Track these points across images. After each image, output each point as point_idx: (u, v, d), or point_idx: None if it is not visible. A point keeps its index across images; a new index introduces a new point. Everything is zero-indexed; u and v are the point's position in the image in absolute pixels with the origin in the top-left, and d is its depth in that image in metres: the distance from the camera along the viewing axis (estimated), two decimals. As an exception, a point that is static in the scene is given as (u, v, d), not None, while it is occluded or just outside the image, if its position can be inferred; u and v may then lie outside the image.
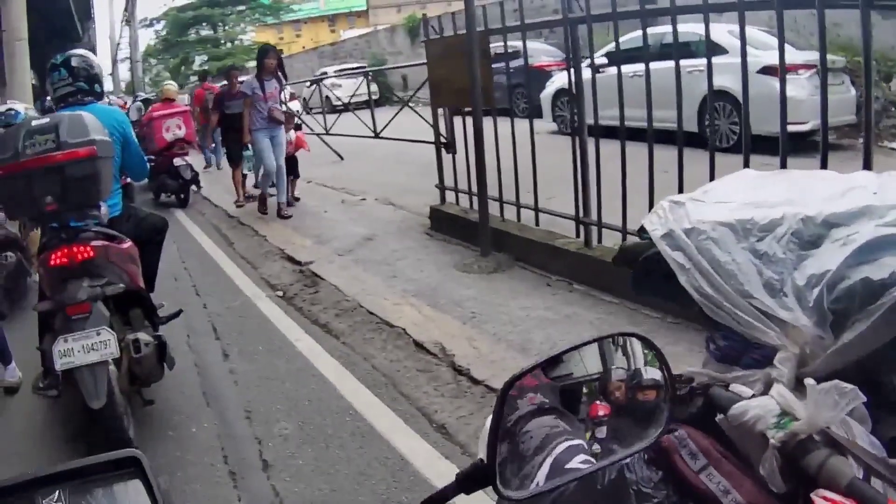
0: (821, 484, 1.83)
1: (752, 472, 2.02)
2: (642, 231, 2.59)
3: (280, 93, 13.59)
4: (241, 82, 14.35)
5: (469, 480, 1.32)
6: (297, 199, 14.60)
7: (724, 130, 13.46)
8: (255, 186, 14.50)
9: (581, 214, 7.98)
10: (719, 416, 2.08)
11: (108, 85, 28.88)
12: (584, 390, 1.46)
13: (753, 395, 2.04)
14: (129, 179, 9.18)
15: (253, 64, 17.67)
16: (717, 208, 2.40)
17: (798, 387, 2.03)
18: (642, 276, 2.66)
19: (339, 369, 6.77)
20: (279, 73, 13.47)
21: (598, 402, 1.47)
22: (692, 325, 5.93)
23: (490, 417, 1.42)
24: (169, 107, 16.36)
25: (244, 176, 15.48)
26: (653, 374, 1.74)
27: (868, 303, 1.97)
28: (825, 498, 1.77)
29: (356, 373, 6.64)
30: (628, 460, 2.14)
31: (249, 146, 13.66)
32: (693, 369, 2.30)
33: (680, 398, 2.17)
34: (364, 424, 5.64)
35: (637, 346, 1.70)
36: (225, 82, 17.05)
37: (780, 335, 2.07)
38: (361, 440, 5.40)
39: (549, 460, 2.03)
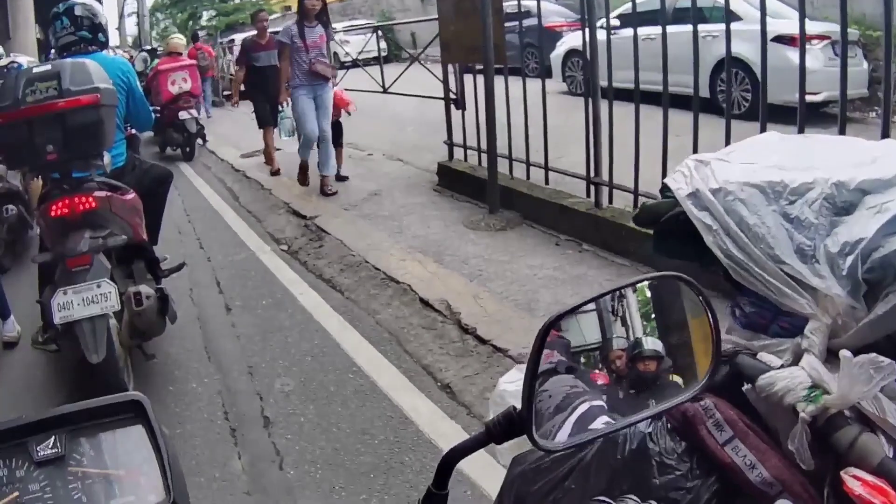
0: (851, 462, 1.76)
1: (778, 447, 1.94)
2: (665, 190, 2.49)
3: (326, 42, 11.22)
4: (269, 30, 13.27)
5: (501, 429, 1.23)
6: (346, 178, 11.93)
7: (735, 97, 13.33)
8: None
9: (592, 174, 7.84)
10: (746, 386, 2.00)
11: (114, 39, 28.77)
12: (582, 359, 1.36)
13: (782, 366, 1.96)
14: (133, 130, 9.10)
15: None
16: (745, 169, 2.29)
17: (829, 358, 1.95)
18: (664, 236, 2.57)
19: (342, 324, 6.73)
20: (324, 19, 11.13)
21: (595, 370, 1.36)
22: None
23: (524, 365, 1.32)
24: (175, 60, 16.24)
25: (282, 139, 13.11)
26: (654, 344, 1.62)
27: None
28: (855, 477, 1.69)
29: (360, 328, 6.59)
30: (651, 428, 2.07)
31: (285, 107, 11.70)
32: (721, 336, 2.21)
33: (703, 364, 2.09)
34: (367, 382, 5.59)
35: (685, 290, 1.56)
36: (252, 33, 15.09)
37: (811, 303, 1.98)
38: (364, 398, 5.35)
39: (571, 419, 1.96)
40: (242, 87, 14.71)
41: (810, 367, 1.88)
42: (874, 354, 1.73)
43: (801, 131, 5.46)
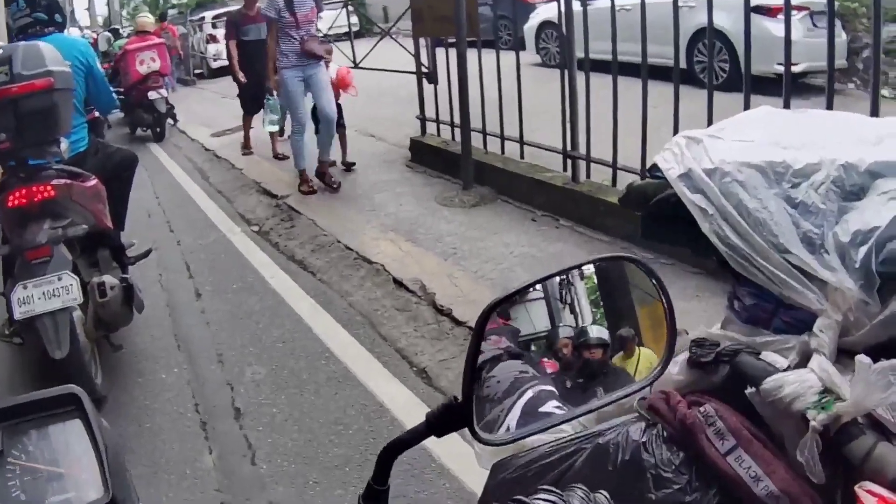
0: (865, 475, 1.62)
1: (785, 456, 1.80)
2: (653, 169, 2.34)
3: (316, 16, 9.99)
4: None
5: (441, 421, 1.18)
6: (353, 165, 10.91)
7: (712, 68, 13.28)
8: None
9: (569, 148, 7.70)
10: (750, 390, 1.86)
11: (84, 20, 28.50)
12: (532, 347, 1.25)
13: (789, 367, 1.82)
14: (96, 113, 8.93)
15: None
16: (741, 147, 2.14)
17: (839, 358, 1.80)
18: (653, 220, 2.42)
19: (314, 308, 6.62)
20: None
21: (544, 359, 1.25)
22: (687, 268, 5.78)
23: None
24: (143, 40, 15.96)
25: (272, 134, 12.21)
26: (599, 332, 1.49)
27: None
28: (870, 492, 1.56)
29: (332, 311, 6.48)
30: (645, 437, 1.92)
31: (273, 93, 10.54)
32: (717, 331, 2.08)
33: (703, 365, 1.95)
34: (340, 368, 5.47)
35: (636, 273, 1.43)
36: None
37: (820, 298, 1.84)
38: (337, 385, 5.23)
39: (520, 403, 1.84)
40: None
41: (821, 369, 1.74)
42: (895, 361, 1.58)
43: (786, 104, 5.32)
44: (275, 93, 10.40)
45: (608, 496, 1.06)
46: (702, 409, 1.87)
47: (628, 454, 1.90)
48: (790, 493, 1.75)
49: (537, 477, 1.90)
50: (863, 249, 1.78)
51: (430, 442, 3.93)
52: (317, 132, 10.10)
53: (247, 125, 12.97)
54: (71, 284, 4.72)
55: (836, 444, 1.68)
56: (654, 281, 1.34)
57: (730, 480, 1.80)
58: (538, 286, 1.35)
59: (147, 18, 18.11)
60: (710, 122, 5.19)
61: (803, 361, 1.82)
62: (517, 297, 1.26)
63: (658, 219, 2.37)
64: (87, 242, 5.42)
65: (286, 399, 5.10)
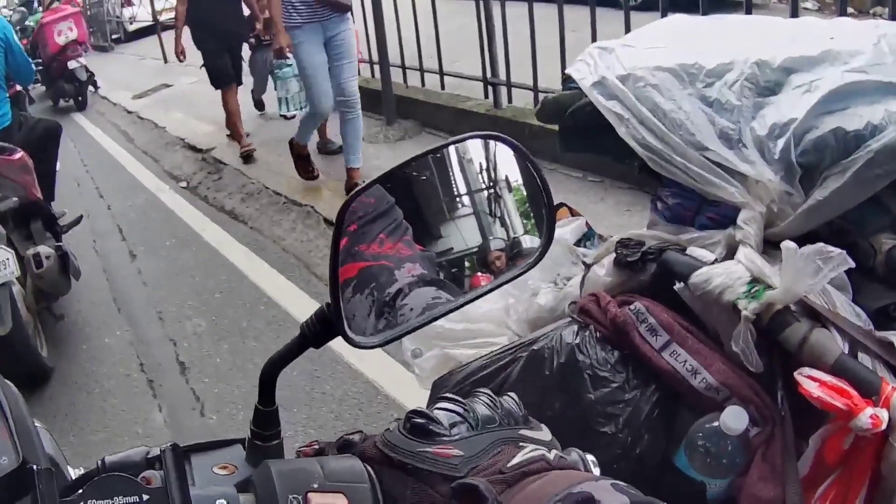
0: (804, 361, 1.66)
1: (721, 349, 1.84)
2: (568, 81, 2.34)
3: None
4: None
5: (314, 331, 1.10)
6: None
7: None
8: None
9: (489, 75, 7.66)
10: (678, 285, 1.88)
11: (2, -1, 27.91)
12: (466, 263, 1.25)
13: (716, 260, 1.84)
14: (18, 88, 8.76)
15: None
16: (654, 53, 2.15)
17: (766, 250, 1.83)
18: (570, 130, 2.42)
19: (248, 256, 6.60)
20: None
21: (479, 273, 1.25)
22: (617, 184, 5.81)
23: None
24: (58, 11, 15.55)
25: (287, 117, 9.13)
26: (532, 242, 1.49)
27: (841, 156, 1.79)
28: (811, 377, 1.59)
29: (267, 258, 6.47)
30: (577, 339, 1.94)
31: (283, 60, 7.52)
32: (641, 231, 2.09)
33: (630, 264, 1.98)
34: (279, 312, 5.48)
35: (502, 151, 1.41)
36: None
37: (741, 191, 1.87)
38: (278, 329, 5.24)
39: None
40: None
41: (748, 260, 1.77)
42: (821, 244, 1.62)
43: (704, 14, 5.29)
44: (289, 55, 7.11)
45: (515, 397, 1.01)
46: (632, 306, 1.89)
47: (563, 357, 1.92)
48: (729, 384, 1.78)
49: (475, 388, 1.92)
50: (781, 141, 1.80)
51: (374, 373, 3.95)
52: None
53: (229, 105, 9.30)
54: (7, 259, 4.60)
55: (771, 332, 1.70)
56: (523, 160, 1.27)
57: (667, 375, 1.83)
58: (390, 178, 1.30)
59: None
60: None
61: (730, 255, 1.85)
62: (369, 188, 1.16)
63: (575, 130, 2.37)
64: (18, 215, 5.32)
65: (228, 348, 5.10)
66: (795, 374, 1.60)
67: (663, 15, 5.41)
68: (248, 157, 8.79)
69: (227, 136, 9.71)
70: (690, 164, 1.89)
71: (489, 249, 1.34)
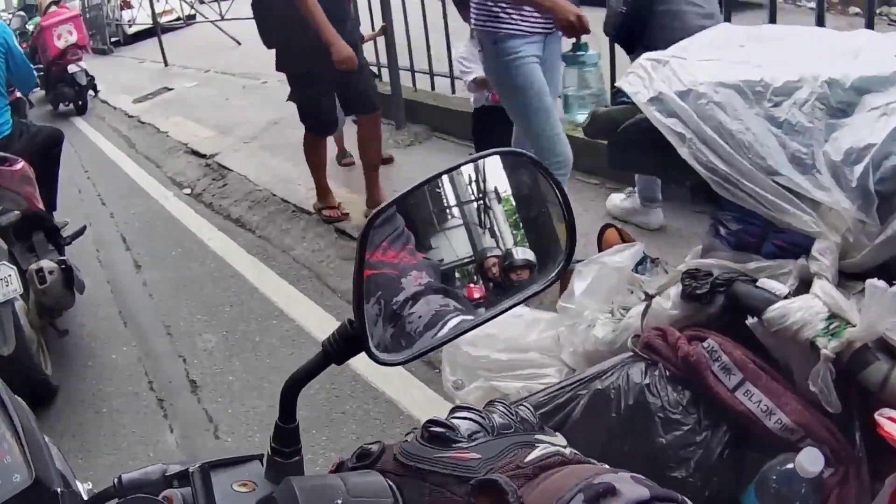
0: (883, 401, 1.59)
1: (794, 387, 1.75)
2: (619, 94, 2.25)
3: None
4: None
5: (337, 347, 1.10)
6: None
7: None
8: None
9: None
10: (751, 320, 1.79)
11: (1, 3, 27.86)
12: (457, 275, 1.20)
13: (789, 294, 1.74)
14: (18, 94, 8.67)
15: None
16: (710, 67, 2.06)
17: (841, 282, 1.75)
18: (622, 147, 2.34)
19: (257, 266, 6.46)
20: None
21: (472, 284, 1.20)
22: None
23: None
24: (58, 14, 15.48)
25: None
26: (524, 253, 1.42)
27: None
28: (892, 419, 1.52)
29: (277, 268, 6.34)
30: (648, 379, 1.84)
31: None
32: (707, 260, 2.00)
33: (698, 297, 1.88)
34: (292, 326, 5.34)
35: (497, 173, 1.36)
36: None
37: (816, 220, 1.77)
38: (292, 345, 5.10)
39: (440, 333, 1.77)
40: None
41: (826, 294, 1.68)
42: None
43: (727, 18, 5.20)
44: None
45: (530, 407, 0.99)
46: (704, 343, 1.82)
47: (632, 398, 1.86)
48: (804, 424, 1.71)
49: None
50: (858, 168, 1.72)
51: (395, 392, 3.84)
52: None
53: (318, 156, 6.83)
54: (10, 275, 4.50)
55: (849, 371, 1.64)
56: (543, 175, 1.24)
57: (740, 416, 1.77)
58: (425, 187, 1.26)
59: None
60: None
61: (803, 287, 1.78)
62: (399, 203, 1.15)
63: (627, 146, 2.29)
64: (20, 228, 5.20)
65: (241, 365, 4.98)
66: (876, 415, 1.54)
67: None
68: (332, 219, 6.72)
69: (317, 209, 6.98)
70: (760, 190, 1.81)
71: (485, 256, 1.29)
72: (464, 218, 1.34)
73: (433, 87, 8.82)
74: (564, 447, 0.92)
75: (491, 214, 1.35)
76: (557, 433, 0.97)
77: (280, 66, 6.57)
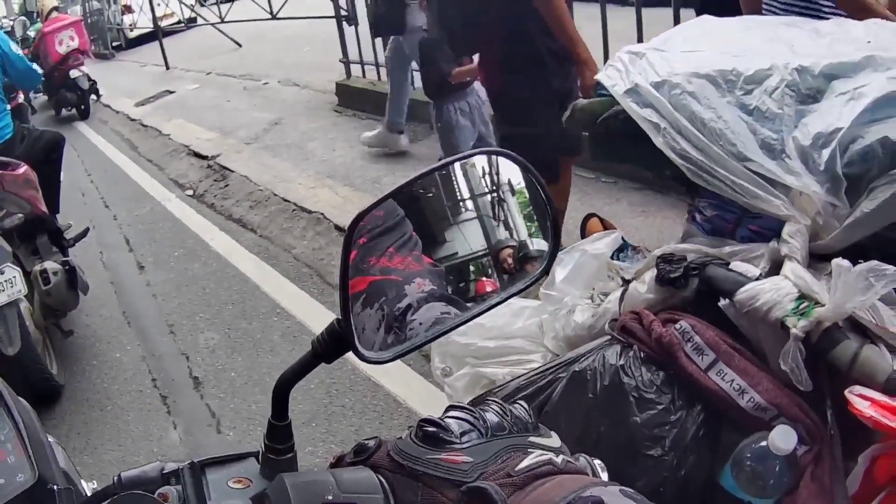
0: (853, 379, 1.63)
1: (767, 367, 1.80)
2: (598, 87, 2.30)
3: None
4: None
5: (326, 346, 1.13)
6: None
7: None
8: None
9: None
10: (723, 302, 1.84)
11: (2, 9, 27.86)
12: (471, 268, 1.23)
13: (760, 276, 1.79)
14: (20, 100, 8.70)
15: None
16: (687, 58, 2.11)
17: (812, 263, 1.79)
18: (602, 139, 2.39)
19: (259, 265, 6.52)
20: None
21: (484, 278, 1.23)
22: (630, 185, 5.78)
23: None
24: (58, 20, 15.52)
25: None
26: (539, 244, 1.45)
27: (889, 167, 1.75)
28: (861, 396, 1.56)
29: (278, 266, 6.39)
30: (622, 360, 1.89)
31: None
32: (682, 245, 2.04)
33: (672, 280, 1.93)
34: (293, 323, 5.41)
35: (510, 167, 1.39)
36: None
37: (786, 204, 1.82)
38: (293, 341, 5.18)
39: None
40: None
41: (795, 275, 1.73)
42: (875, 262, 1.58)
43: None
44: None
45: (525, 405, 1.01)
46: (677, 325, 1.86)
47: (607, 379, 1.90)
48: (777, 403, 1.75)
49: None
50: (826, 152, 1.76)
51: (394, 386, 3.89)
52: None
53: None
54: (14, 277, 4.58)
55: (819, 350, 1.68)
56: (525, 172, 1.27)
57: (714, 396, 1.81)
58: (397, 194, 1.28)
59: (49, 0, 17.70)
60: (640, 39, 5.14)
61: (774, 269, 1.82)
62: (380, 205, 1.17)
63: (607, 138, 2.33)
64: (24, 231, 5.27)
65: (243, 362, 5.04)
66: (846, 392, 1.58)
67: (675, 12, 5.38)
68: None
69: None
70: (733, 176, 1.85)
71: (501, 247, 1.32)
72: (477, 211, 1.37)
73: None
74: (557, 451, 0.95)
75: (504, 207, 1.39)
76: (552, 433, 1.00)
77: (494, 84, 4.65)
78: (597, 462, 1.02)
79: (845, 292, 1.60)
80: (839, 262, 1.60)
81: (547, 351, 2.27)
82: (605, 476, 1.01)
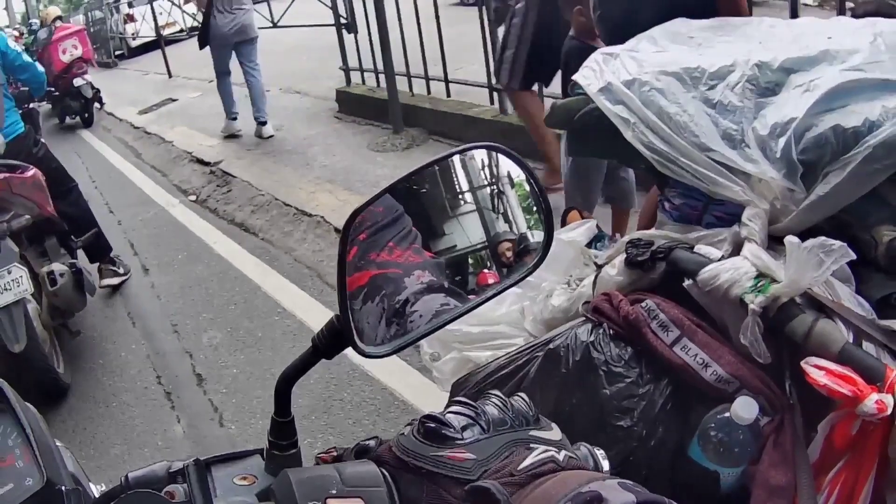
0: (810, 351, 1.71)
1: (730, 342, 1.89)
2: (574, 87, 2.40)
3: None
4: None
5: (327, 342, 1.15)
6: None
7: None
8: None
9: (494, 81, 7.69)
10: (687, 282, 1.94)
11: (3, 19, 27.86)
12: (471, 261, 1.29)
13: (723, 257, 1.90)
14: (30, 106, 8.72)
15: None
16: (657, 58, 2.22)
17: (771, 245, 1.89)
18: (579, 135, 2.50)
19: (261, 267, 6.62)
20: None
21: (485, 270, 1.29)
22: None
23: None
24: (62, 29, 15.55)
25: None
26: (539, 237, 1.54)
27: (841, 153, 1.84)
28: (817, 366, 1.64)
29: (279, 268, 6.49)
30: (592, 337, 2.00)
31: None
32: (650, 231, 2.15)
33: (640, 263, 2.03)
34: (294, 322, 5.51)
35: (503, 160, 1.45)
36: None
37: (746, 190, 1.93)
38: (293, 339, 5.28)
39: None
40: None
41: (753, 255, 1.82)
42: (823, 238, 1.68)
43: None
44: None
45: (526, 398, 1.02)
46: (643, 304, 1.95)
47: (578, 355, 1.98)
48: (739, 376, 1.83)
49: (496, 388, 1.98)
50: (782, 140, 1.86)
51: (390, 380, 3.98)
52: None
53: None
54: (21, 276, 4.66)
55: (777, 324, 1.76)
56: (519, 167, 1.30)
57: (679, 369, 1.88)
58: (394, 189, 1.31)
59: (52, 10, 17.69)
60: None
61: (736, 251, 1.90)
62: (378, 199, 1.20)
63: (584, 134, 2.44)
64: (32, 232, 5.37)
65: (245, 359, 5.14)
66: (802, 363, 1.65)
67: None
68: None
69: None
70: (696, 165, 1.96)
71: (500, 240, 1.38)
72: (476, 204, 1.44)
73: (429, 91, 8.91)
74: (559, 444, 0.96)
75: (504, 199, 1.46)
76: (553, 424, 1.00)
77: None
78: (598, 452, 1.04)
79: (798, 269, 1.68)
80: (791, 240, 1.68)
81: (528, 335, 2.36)
82: (606, 464, 1.04)
